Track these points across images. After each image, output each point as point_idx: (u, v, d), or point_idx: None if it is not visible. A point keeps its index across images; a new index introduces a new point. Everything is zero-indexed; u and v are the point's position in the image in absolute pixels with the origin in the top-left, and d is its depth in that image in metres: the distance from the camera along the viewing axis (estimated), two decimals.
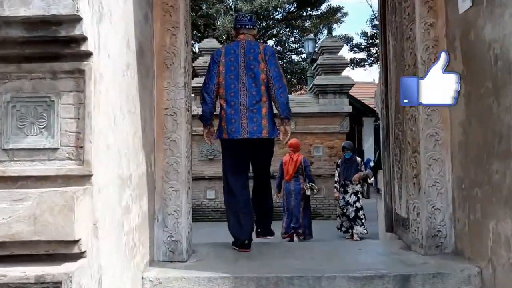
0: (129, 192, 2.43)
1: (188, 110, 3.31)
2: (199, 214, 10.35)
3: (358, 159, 8.04)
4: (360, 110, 15.74)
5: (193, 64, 10.58)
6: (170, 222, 3.11)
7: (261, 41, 20.14)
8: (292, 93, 21.70)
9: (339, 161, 8.06)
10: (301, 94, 22.60)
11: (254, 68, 3.48)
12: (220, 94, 3.56)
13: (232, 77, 3.49)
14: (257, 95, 3.48)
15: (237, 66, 3.50)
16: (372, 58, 21.58)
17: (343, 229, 7.90)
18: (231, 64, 3.50)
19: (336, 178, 7.99)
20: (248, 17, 3.78)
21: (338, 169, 7.99)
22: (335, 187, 8.00)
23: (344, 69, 10.84)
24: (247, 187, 3.72)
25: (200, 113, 3.98)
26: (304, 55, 31.96)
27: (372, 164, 21.09)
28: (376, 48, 21.60)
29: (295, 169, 7.44)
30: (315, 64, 10.80)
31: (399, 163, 3.63)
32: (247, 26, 3.66)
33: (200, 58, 10.63)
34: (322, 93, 10.55)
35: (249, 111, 3.46)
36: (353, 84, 10.59)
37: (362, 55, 22.05)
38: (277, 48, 21.22)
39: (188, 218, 3.25)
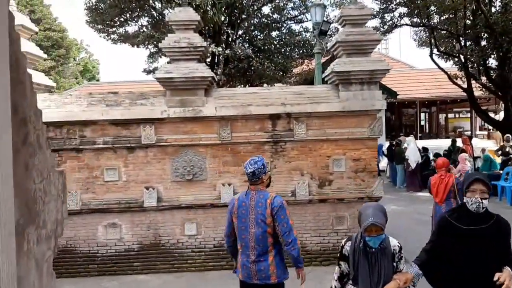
0: None
1: None
2: (175, 259, 7.40)
3: (394, 243, 3.40)
4: None
5: (160, 45, 7.40)
6: None
7: (254, 9, 16.77)
8: (293, 69, 18.55)
9: (347, 245, 3.46)
10: (301, 71, 19.41)
11: (262, 222, 3.84)
12: (237, 240, 4.03)
13: (243, 228, 3.93)
14: (264, 247, 3.85)
15: (246, 218, 3.91)
16: (386, 26, 18.27)
17: None
18: (242, 217, 3.92)
19: (335, 284, 3.55)
20: (251, 174, 3.92)
21: (341, 264, 3.51)
22: None
23: (374, 48, 7.70)
24: None
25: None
26: (306, 24, 28.39)
27: (383, 151, 18.15)
28: (391, 15, 18.35)
29: (447, 191, 6.95)
30: (333, 42, 7.64)
31: None
32: (252, 181, 3.96)
33: (170, 35, 7.44)
34: (344, 83, 7.45)
35: (257, 261, 3.85)
36: (388, 70, 7.48)
37: (374, 22, 18.72)
38: (274, 16, 17.86)
39: None
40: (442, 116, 35.27)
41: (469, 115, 33.78)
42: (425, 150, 16.82)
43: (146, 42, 16.03)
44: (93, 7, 15.57)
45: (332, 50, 7.88)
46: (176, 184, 7.48)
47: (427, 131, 34.82)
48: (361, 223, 3.29)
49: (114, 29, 16.69)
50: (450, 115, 36.09)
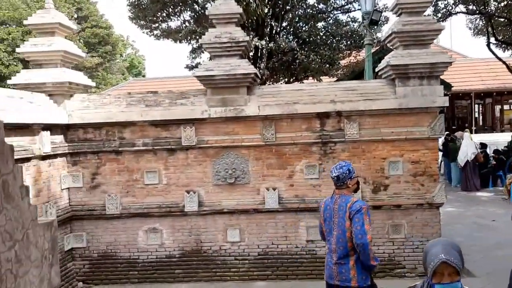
0: None
1: None
2: (218, 266, 7.00)
3: None
4: None
5: (201, 41, 6.97)
6: None
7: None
8: (340, 61, 17.73)
9: None
10: (348, 63, 18.55)
11: (342, 226, 3.97)
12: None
13: (327, 230, 4.13)
14: (344, 250, 3.95)
15: (330, 221, 4.07)
16: (440, 15, 17.08)
17: None
18: (327, 219, 4.12)
19: None
20: (336, 178, 4.02)
21: None
22: None
23: (434, 39, 6.95)
24: None
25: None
26: (353, 14, 27.27)
27: (439, 145, 16.93)
28: (445, 2, 17.14)
29: None
30: (388, 32, 6.94)
31: None
32: (337, 185, 4.06)
33: (210, 30, 6.99)
34: (401, 78, 6.76)
35: (339, 263, 3.98)
36: (450, 63, 6.71)
37: (427, 10, 17.52)
38: (320, 6, 17.08)
39: None
40: (497, 108, 33.14)
41: None
42: (483, 146, 15.64)
43: (188, 37, 15.70)
44: (136, 2, 15.40)
45: (387, 41, 7.18)
46: (218, 188, 7.06)
47: (481, 123, 32.91)
48: (427, 265, 2.34)
49: (156, 24, 16.47)
50: (506, 107, 33.94)
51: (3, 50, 26.37)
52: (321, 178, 6.94)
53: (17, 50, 7.19)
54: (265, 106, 6.86)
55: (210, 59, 7.16)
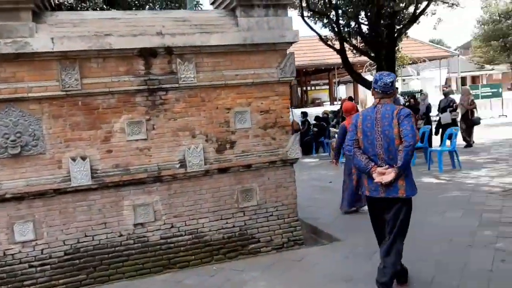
0: None
1: None
2: (3, 280, 4.67)
3: None
4: None
5: None
6: None
7: None
8: None
9: None
10: None
11: (389, 133, 3.73)
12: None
13: (369, 142, 3.85)
14: (393, 160, 3.74)
15: (372, 131, 3.82)
16: None
17: None
18: (367, 130, 3.85)
19: None
20: (390, 84, 3.84)
21: None
22: None
23: None
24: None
25: None
26: None
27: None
28: None
29: None
30: None
31: None
32: (388, 93, 3.86)
33: None
34: (243, 6, 5.39)
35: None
36: None
37: None
38: None
39: None
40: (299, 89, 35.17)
41: (326, 87, 34.69)
42: (304, 114, 15.78)
43: None
44: None
45: None
46: None
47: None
48: None
49: None
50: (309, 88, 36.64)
51: None
52: (150, 138, 5.15)
53: None
54: (63, 38, 4.73)
55: None
